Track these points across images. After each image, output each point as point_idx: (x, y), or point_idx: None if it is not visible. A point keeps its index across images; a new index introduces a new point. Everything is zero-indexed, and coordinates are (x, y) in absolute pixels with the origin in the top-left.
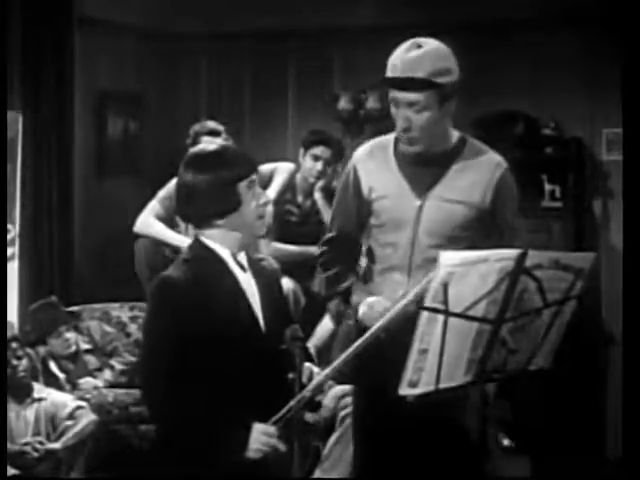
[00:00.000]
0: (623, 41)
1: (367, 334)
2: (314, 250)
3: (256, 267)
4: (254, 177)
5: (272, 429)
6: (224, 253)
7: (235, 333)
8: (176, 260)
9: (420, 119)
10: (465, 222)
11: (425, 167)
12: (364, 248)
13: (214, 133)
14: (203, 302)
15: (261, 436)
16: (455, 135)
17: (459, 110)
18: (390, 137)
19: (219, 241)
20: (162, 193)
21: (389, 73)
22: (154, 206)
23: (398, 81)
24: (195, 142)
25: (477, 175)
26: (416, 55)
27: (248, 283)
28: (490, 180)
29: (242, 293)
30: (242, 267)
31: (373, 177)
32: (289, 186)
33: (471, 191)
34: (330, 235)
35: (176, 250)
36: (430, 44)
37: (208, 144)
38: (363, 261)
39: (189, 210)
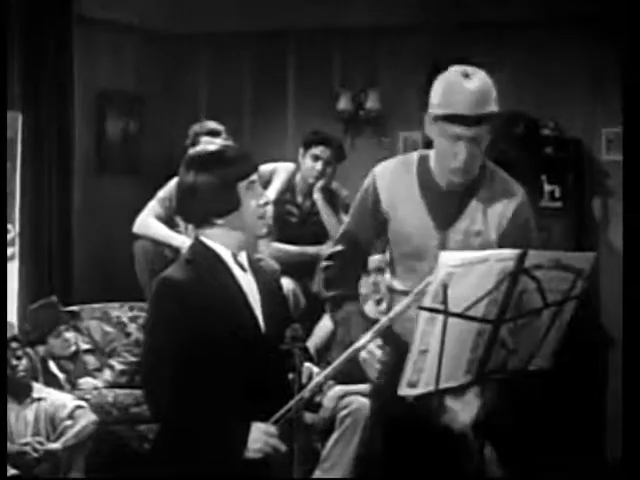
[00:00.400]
0: (623, 41)
1: (366, 336)
2: (313, 250)
3: (256, 267)
4: (255, 177)
5: (272, 429)
6: (225, 253)
7: (234, 333)
8: (177, 260)
9: (477, 152)
10: None
11: (449, 197)
12: (387, 260)
13: (213, 133)
14: (203, 302)
15: (261, 436)
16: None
17: None
18: (414, 156)
19: (220, 241)
20: (161, 193)
21: (448, 108)
22: (153, 206)
23: (471, 119)
24: (194, 142)
25: (495, 207)
26: (476, 89)
27: (248, 283)
28: (505, 213)
29: (242, 293)
30: (242, 267)
31: (394, 199)
32: (289, 186)
33: (488, 223)
34: (337, 249)
35: (176, 250)
36: (478, 74)
37: (209, 144)
38: (387, 277)
39: (190, 210)
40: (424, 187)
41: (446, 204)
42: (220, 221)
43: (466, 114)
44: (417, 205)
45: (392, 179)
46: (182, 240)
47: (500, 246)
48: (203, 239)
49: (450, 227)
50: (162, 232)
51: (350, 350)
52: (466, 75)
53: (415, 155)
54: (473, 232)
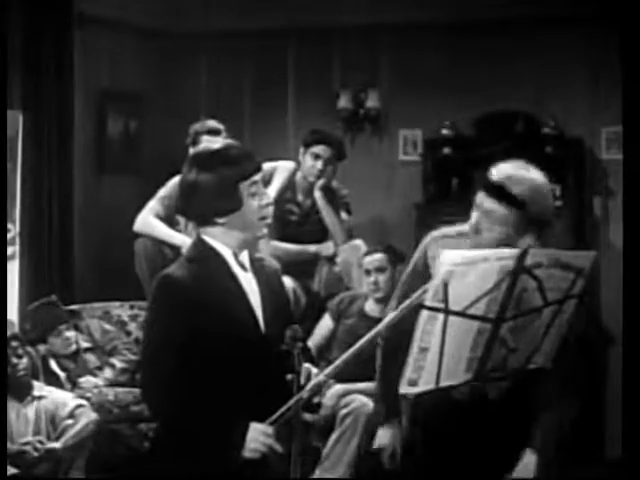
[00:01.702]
0: (623, 40)
1: (365, 337)
2: (314, 249)
3: (258, 267)
4: (257, 177)
5: (270, 429)
6: (226, 252)
7: (234, 333)
8: (178, 258)
9: (489, 231)
10: None
11: None
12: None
13: (214, 132)
14: (204, 301)
15: (258, 436)
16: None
17: (459, 109)
18: (466, 228)
19: (221, 240)
20: (162, 192)
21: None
22: (154, 205)
23: (492, 186)
24: (195, 141)
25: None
26: (520, 174)
27: (249, 283)
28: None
29: (242, 293)
30: (243, 267)
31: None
32: (289, 185)
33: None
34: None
35: (176, 249)
36: (536, 174)
37: (212, 143)
38: None
39: (192, 208)
40: None
41: None
42: (222, 220)
43: (494, 181)
44: None
45: (443, 247)
46: (182, 239)
47: None
48: (204, 238)
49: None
50: (162, 231)
51: (350, 352)
52: (526, 169)
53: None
54: None
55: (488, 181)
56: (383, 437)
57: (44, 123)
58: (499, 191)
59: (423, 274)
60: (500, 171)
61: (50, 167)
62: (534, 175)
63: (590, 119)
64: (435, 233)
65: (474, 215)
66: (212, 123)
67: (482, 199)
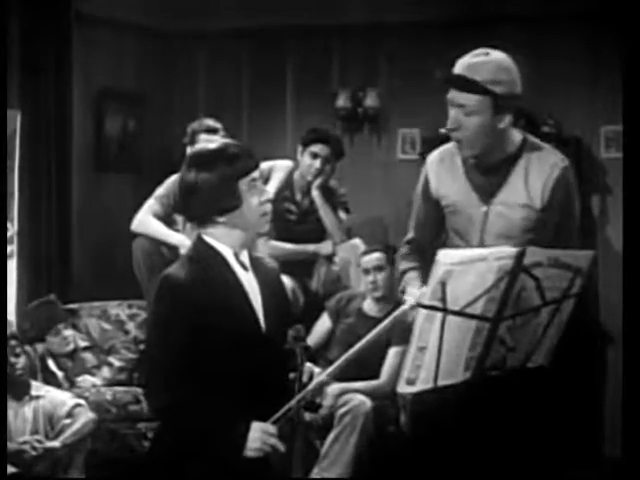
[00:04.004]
0: (623, 38)
1: (366, 337)
2: (312, 248)
3: (258, 266)
4: (256, 174)
5: (271, 428)
6: (226, 252)
7: (235, 332)
8: (179, 258)
9: (468, 122)
10: (530, 224)
11: (488, 174)
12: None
13: (212, 130)
14: (205, 300)
15: (260, 435)
16: (517, 139)
17: None
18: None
19: (221, 239)
20: (159, 191)
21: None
22: (151, 205)
23: (453, 78)
24: (193, 140)
25: (535, 177)
26: (479, 60)
27: (249, 282)
28: (547, 181)
29: (243, 292)
30: (244, 266)
31: (443, 184)
32: (287, 184)
33: (531, 194)
34: (410, 237)
35: (173, 248)
36: (495, 54)
37: (208, 142)
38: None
39: (192, 208)
40: (468, 167)
41: (487, 179)
42: (222, 219)
43: (454, 74)
44: (462, 182)
45: (440, 165)
46: (179, 238)
47: (545, 216)
48: (205, 237)
49: (492, 198)
50: (160, 230)
51: (350, 352)
52: (486, 53)
53: None
54: (516, 204)
55: (451, 75)
56: None
57: (42, 122)
58: (463, 82)
59: (430, 198)
60: (461, 63)
61: (48, 166)
62: (494, 56)
63: (589, 118)
64: (431, 158)
65: (450, 113)
66: (209, 122)
67: (452, 95)
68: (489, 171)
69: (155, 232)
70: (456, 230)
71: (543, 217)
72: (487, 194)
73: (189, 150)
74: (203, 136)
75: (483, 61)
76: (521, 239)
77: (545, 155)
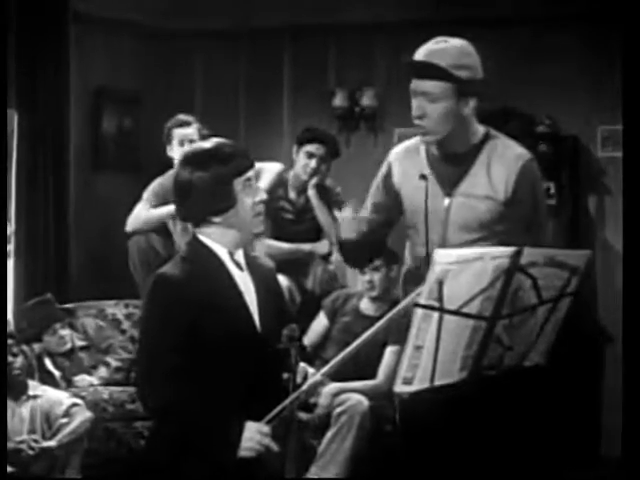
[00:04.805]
0: (621, 38)
1: (362, 337)
2: (308, 247)
3: (253, 266)
4: (250, 174)
5: (265, 428)
6: (221, 251)
7: (230, 332)
8: (174, 257)
9: (433, 109)
10: (494, 217)
11: (451, 165)
12: (406, 249)
13: (185, 124)
14: (198, 300)
15: (254, 435)
16: (480, 131)
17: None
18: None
19: (216, 239)
20: (146, 195)
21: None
22: (141, 209)
23: (416, 66)
24: (169, 137)
25: (498, 168)
26: (439, 47)
27: (245, 282)
28: (510, 173)
29: (238, 292)
30: (239, 266)
31: (406, 177)
32: (281, 184)
33: (494, 185)
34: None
35: (169, 247)
36: (455, 41)
37: (205, 142)
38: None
39: (187, 209)
40: (431, 159)
41: (449, 170)
42: (217, 219)
43: (415, 60)
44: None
45: (405, 157)
46: (168, 209)
47: (510, 209)
48: (200, 237)
49: (454, 190)
50: (149, 215)
51: (345, 352)
52: (445, 41)
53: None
54: (478, 195)
55: (417, 61)
56: None
57: (39, 121)
58: (424, 69)
59: (391, 189)
60: (422, 50)
61: (45, 165)
62: (453, 43)
63: (586, 117)
64: (396, 149)
65: (414, 102)
66: (181, 116)
67: (415, 84)
68: (452, 161)
69: (146, 220)
70: (418, 225)
71: (508, 210)
72: (450, 185)
73: (168, 149)
74: (177, 131)
75: (445, 47)
76: (486, 232)
77: (509, 147)
